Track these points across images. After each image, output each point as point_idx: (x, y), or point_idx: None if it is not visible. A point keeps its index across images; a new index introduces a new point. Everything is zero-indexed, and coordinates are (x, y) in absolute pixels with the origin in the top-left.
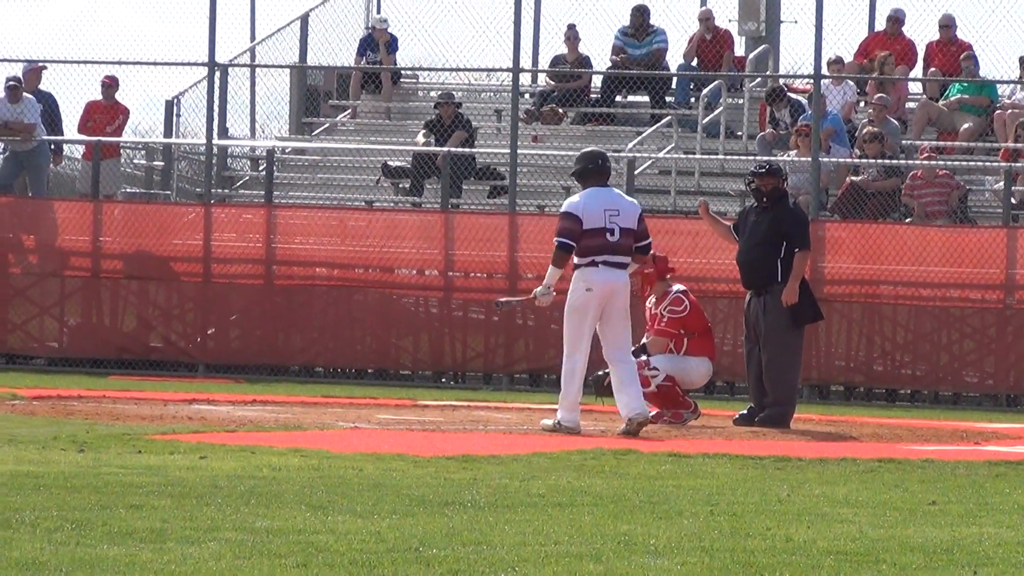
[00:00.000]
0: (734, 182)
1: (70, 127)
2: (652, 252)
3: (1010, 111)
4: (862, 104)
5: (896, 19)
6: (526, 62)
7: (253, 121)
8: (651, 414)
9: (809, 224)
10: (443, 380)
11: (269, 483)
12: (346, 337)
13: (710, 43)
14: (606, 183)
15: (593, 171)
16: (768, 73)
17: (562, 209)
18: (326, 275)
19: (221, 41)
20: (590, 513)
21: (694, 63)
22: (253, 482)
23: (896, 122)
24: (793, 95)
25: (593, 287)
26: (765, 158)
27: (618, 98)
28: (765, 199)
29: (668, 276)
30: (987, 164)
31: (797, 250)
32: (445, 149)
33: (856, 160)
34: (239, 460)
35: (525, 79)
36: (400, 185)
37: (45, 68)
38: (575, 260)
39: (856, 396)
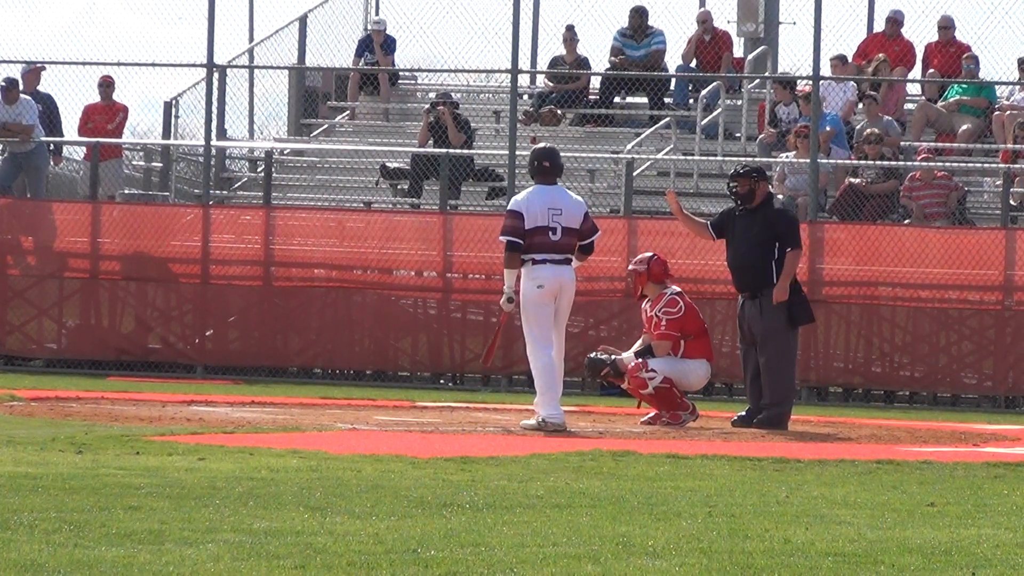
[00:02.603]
0: None
1: (69, 128)
2: (653, 255)
3: (1008, 112)
4: (861, 105)
5: (895, 20)
6: (525, 63)
7: (251, 122)
8: (650, 415)
9: (799, 224)
10: (441, 381)
11: (267, 484)
12: (344, 338)
13: (709, 44)
14: (554, 181)
15: (540, 169)
16: (767, 74)
17: (508, 207)
18: (324, 276)
19: (220, 42)
20: (588, 514)
21: (693, 64)
22: (251, 483)
23: (891, 119)
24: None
25: (544, 283)
26: (764, 159)
27: (617, 99)
28: (741, 201)
29: (666, 280)
30: (986, 165)
31: (789, 249)
32: (445, 151)
33: (854, 162)
34: (237, 461)
35: (524, 80)
36: (398, 186)
37: (44, 69)
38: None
39: (854, 397)
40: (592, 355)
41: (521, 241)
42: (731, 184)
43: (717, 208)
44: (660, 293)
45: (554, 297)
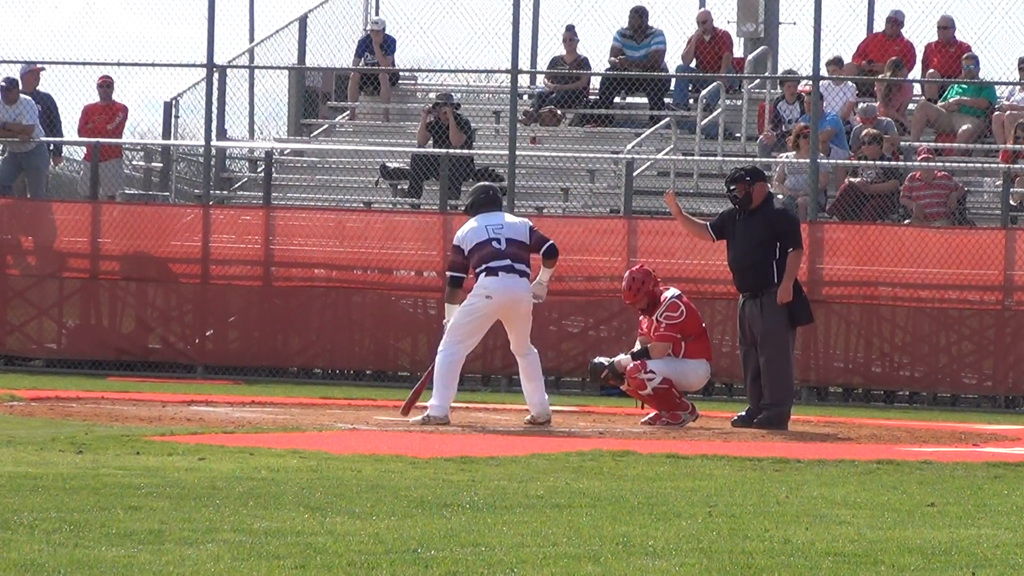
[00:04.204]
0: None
1: (69, 128)
2: (642, 277)
3: (1008, 112)
4: (860, 106)
5: (895, 20)
6: (525, 63)
7: (252, 122)
8: (650, 415)
9: (800, 223)
10: None
11: (267, 484)
12: (344, 338)
13: (709, 44)
14: (496, 210)
15: (484, 201)
16: (767, 74)
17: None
18: (324, 276)
19: (220, 42)
20: (588, 514)
21: (693, 64)
22: (251, 483)
23: (888, 120)
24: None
25: (493, 295)
26: (764, 159)
27: (616, 99)
28: (740, 205)
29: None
30: (986, 165)
31: (791, 249)
32: (445, 151)
33: (855, 162)
34: (237, 461)
35: (524, 80)
36: (398, 186)
37: (43, 69)
38: (472, 270)
39: (854, 397)
40: (593, 360)
41: (463, 276)
42: (730, 188)
43: (717, 208)
44: (659, 300)
45: (500, 309)
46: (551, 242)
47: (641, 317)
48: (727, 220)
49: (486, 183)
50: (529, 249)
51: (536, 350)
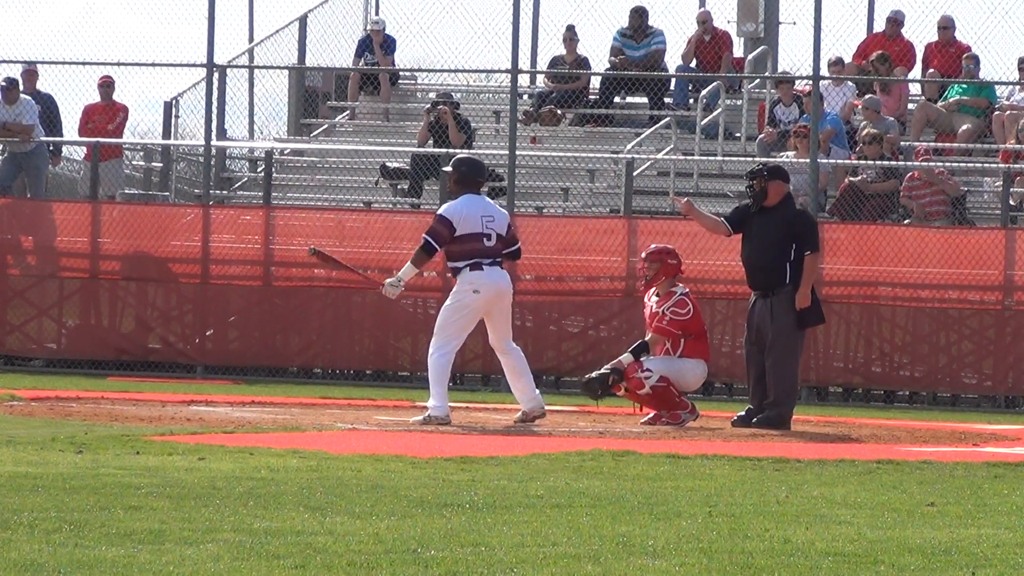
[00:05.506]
0: (732, 183)
1: (69, 128)
2: (670, 247)
3: (1008, 112)
4: (866, 96)
5: (895, 20)
6: (525, 63)
7: (252, 122)
8: (650, 415)
9: (818, 226)
10: None
11: (267, 484)
12: (344, 338)
13: (709, 44)
14: (480, 192)
15: (479, 180)
16: (767, 74)
17: (438, 212)
18: (324, 276)
19: (220, 42)
20: (588, 514)
21: (693, 64)
22: (251, 483)
23: (892, 119)
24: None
25: (481, 290)
26: (762, 159)
27: (616, 99)
28: (755, 200)
29: (675, 275)
30: (986, 165)
31: (808, 252)
32: (445, 151)
33: (855, 162)
34: (237, 461)
35: (524, 80)
36: (398, 186)
37: (36, 72)
38: (454, 263)
39: (854, 397)
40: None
41: (440, 248)
42: (748, 182)
43: (716, 208)
44: (670, 291)
45: (487, 304)
46: (519, 245)
47: (649, 300)
48: (744, 214)
49: (474, 158)
50: (503, 242)
51: (517, 346)
